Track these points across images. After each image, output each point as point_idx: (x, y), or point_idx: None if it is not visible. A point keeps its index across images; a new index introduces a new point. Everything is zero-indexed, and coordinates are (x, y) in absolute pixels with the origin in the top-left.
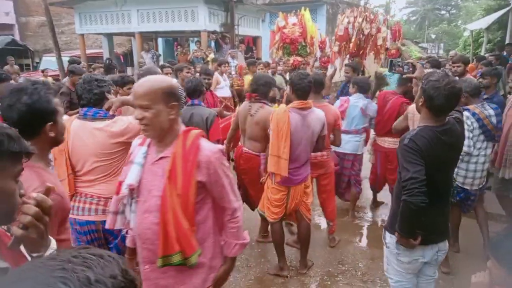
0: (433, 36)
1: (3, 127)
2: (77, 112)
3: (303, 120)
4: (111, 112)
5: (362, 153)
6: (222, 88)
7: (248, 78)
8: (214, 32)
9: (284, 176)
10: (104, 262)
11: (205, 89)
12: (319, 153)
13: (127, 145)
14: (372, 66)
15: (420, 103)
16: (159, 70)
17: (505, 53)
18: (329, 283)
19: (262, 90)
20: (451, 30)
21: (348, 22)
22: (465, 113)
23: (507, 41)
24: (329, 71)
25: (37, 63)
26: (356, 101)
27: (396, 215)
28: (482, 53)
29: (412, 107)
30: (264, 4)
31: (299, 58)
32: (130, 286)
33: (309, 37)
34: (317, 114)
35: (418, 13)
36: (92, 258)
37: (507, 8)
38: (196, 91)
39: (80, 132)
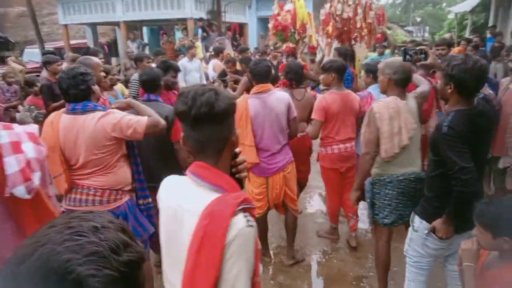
0: (419, 20)
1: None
2: (62, 106)
3: (264, 103)
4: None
5: None
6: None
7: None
8: (201, 20)
9: (257, 165)
10: (97, 214)
11: (169, 87)
12: (348, 145)
13: (118, 140)
14: (360, 50)
15: (449, 90)
16: (95, 59)
17: (489, 35)
18: (324, 260)
19: (299, 76)
20: (436, 13)
21: (330, 7)
22: None
23: (490, 23)
24: (318, 56)
25: (19, 55)
26: (379, 93)
27: (430, 203)
28: (466, 36)
29: (376, 106)
30: None
31: (291, 45)
32: (126, 228)
33: (298, 23)
34: (279, 95)
35: None
36: (85, 214)
37: None
38: (152, 85)
39: (71, 126)
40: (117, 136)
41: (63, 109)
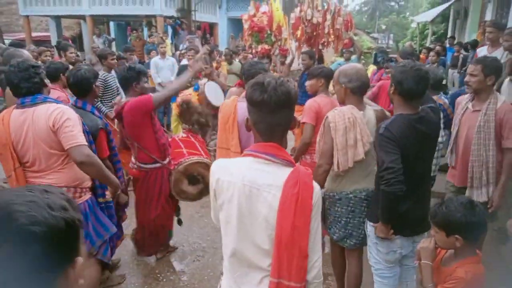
0: (384, 27)
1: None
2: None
3: None
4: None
5: None
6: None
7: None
8: (171, 17)
9: None
10: (53, 187)
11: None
12: None
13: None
14: (328, 55)
15: (392, 91)
16: (25, 52)
17: (448, 45)
18: None
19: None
20: (400, 21)
21: (300, 11)
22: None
23: (449, 34)
24: (288, 59)
25: None
26: None
27: (376, 204)
28: (427, 44)
29: (331, 116)
30: None
31: (266, 46)
32: (71, 200)
33: (275, 26)
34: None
35: (369, 4)
36: (45, 185)
37: (449, 3)
38: (81, 89)
39: (21, 121)
40: (56, 138)
41: (15, 105)
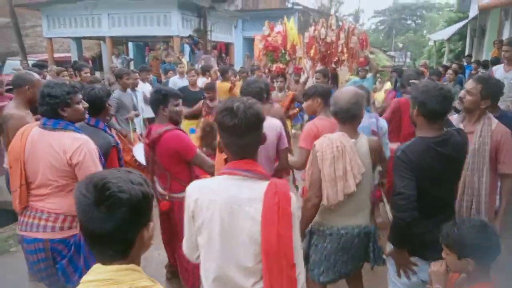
0: (400, 45)
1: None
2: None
3: None
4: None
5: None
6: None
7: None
8: (189, 37)
9: None
10: (121, 169)
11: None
12: None
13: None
14: (342, 73)
15: (415, 114)
16: (34, 75)
17: (465, 63)
18: None
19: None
20: (417, 39)
21: (314, 30)
22: None
23: (466, 52)
24: (302, 77)
25: (1, 66)
26: (370, 116)
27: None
28: (444, 62)
29: (319, 144)
30: (236, 11)
31: (281, 65)
32: (147, 181)
33: (289, 45)
34: (269, 122)
35: (386, 23)
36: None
37: (466, 21)
38: (93, 107)
39: (38, 141)
40: (71, 169)
41: (38, 122)
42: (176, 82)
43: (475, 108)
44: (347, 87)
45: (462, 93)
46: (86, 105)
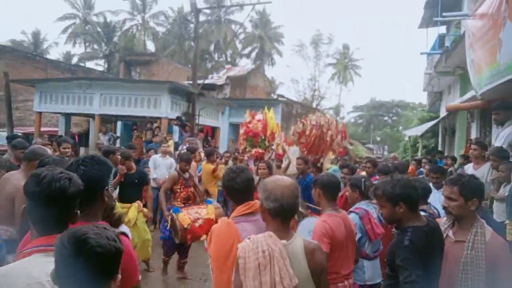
0: (378, 139)
1: None
2: None
3: (259, 230)
4: None
5: None
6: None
7: (208, 167)
8: (177, 119)
9: None
10: (98, 226)
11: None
12: (351, 281)
13: None
14: (325, 162)
15: (401, 210)
16: (47, 151)
17: (438, 159)
18: None
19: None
20: (393, 134)
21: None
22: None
23: (439, 148)
24: (284, 163)
25: None
26: (374, 208)
27: None
28: (419, 156)
29: (241, 248)
30: (224, 99)
31: (260, 150)
32: (118, 238)
33: (269, 132)
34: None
35: (364, 117)
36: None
37: (437, 120)
38: None
39: None
40: None
41: None
42: (156, 159)
43: (463, 213)
44: (280, 177)
45: (444, 202)
46: None
